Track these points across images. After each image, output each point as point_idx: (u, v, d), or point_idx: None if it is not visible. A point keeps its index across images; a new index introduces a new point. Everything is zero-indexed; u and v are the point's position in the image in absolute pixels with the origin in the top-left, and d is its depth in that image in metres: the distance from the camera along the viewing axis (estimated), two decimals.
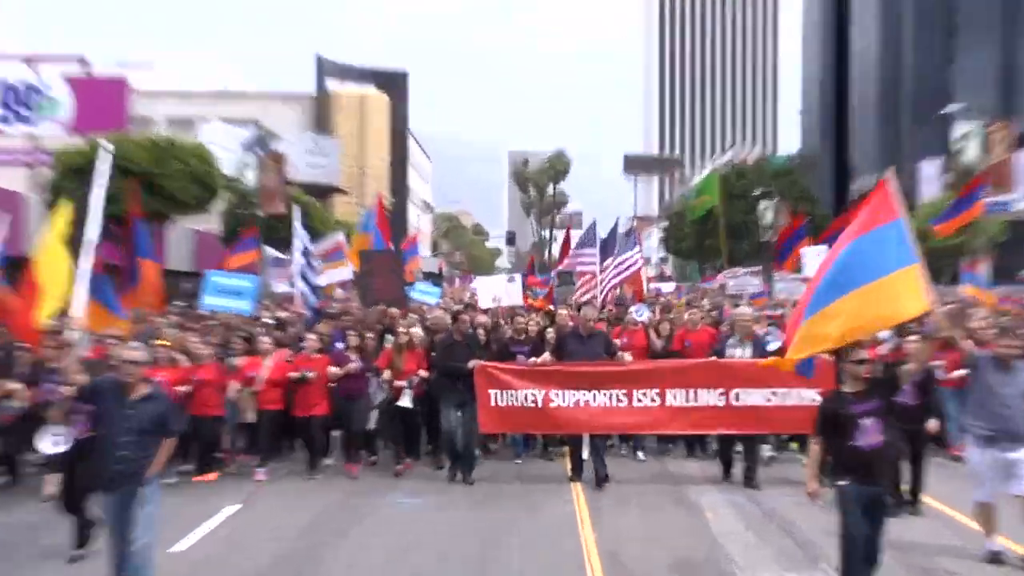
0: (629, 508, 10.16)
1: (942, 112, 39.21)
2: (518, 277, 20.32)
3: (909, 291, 6.37)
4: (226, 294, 14.88)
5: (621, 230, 20.95)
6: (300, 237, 16.04)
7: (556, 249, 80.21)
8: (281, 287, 21.29)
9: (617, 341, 12.12)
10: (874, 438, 6.39)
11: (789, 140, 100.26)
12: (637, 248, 20.11)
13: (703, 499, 10.50)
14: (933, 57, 54.51)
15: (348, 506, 10.38)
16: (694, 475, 11.75)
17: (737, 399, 10.66)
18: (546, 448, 12.87)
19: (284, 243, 23.50)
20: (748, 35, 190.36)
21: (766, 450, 12.12)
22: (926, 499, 9.64)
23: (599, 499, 10.49)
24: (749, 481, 10.89)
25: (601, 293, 17.94)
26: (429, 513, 10.08)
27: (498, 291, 19.12)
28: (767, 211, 53.82)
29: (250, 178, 34.98)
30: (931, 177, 46.19)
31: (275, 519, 9.87)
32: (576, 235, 20.93)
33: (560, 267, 19.20)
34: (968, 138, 35.08)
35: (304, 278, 15.42)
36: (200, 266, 32.47)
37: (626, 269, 19.03)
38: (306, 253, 15.86)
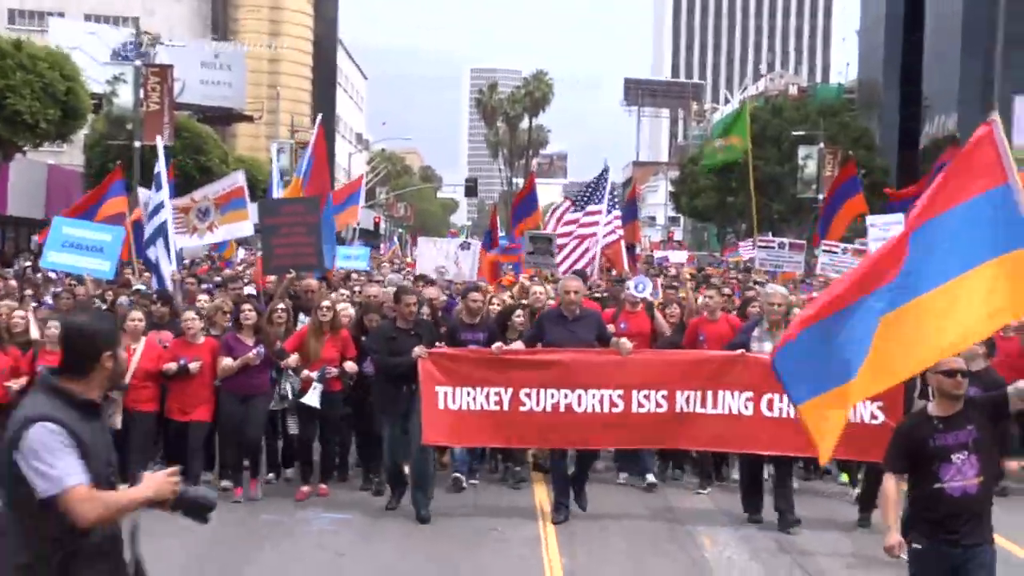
0: (608, 538, 10.23)
1: None
2: (475, 244, 20.16)
3: (1018, 283, 6.15)
4: (79, 250, 14.36)
5: (617, 179, 21.17)
6: (165, 181, 15.35)
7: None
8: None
9: (611, 327, 11.83)
10: (968, 480, 6.19)
11: (842, 67, 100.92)
12: (615, 205, 20.11)
13: (700, 527, 10.68)
14: None
15: (244, 528, 10.41)
16: (707, 511, 11.45)
17: (771, 408, 10.37)
18: (507, 467, 12.59)
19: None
20: None
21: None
22: (1005, 543, 9.76)
23: (572, 528, 10.45)
24: (783, 523, 10.61)
25: (592, 262, 18.21)
26: (352, 540, 10.14)
27: (443, 259, 18.78)
28: (809, 160, 54.33)
29: (124, 97, 34.64)
30: None
31: (157, 542, 9.98)
32: (550, 187, 21.00)
33: (537, 229, 19.19)
34: None
35: (164, 238, 14.83)
36: (53, 212, 32.23)
37: (610, 232, 19.24)
38: (160, 207, 15.16)
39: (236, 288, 13.99)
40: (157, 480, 4.31)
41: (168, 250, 14.56)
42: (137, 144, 28.59)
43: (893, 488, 6.39)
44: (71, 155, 44.70)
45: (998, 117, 6.39)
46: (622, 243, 19.85)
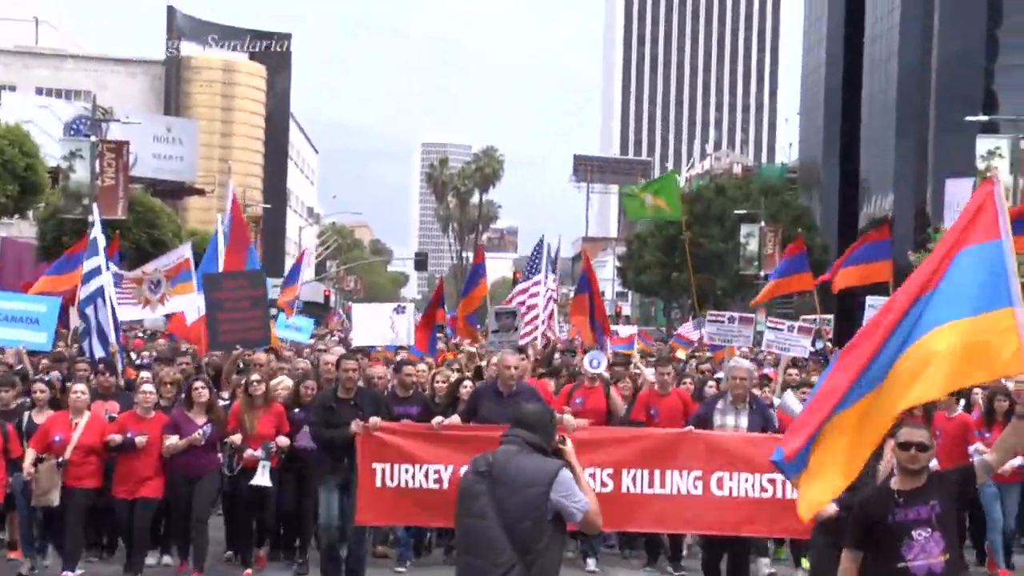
0: None
1: (971, 119, 41.27)
2: (410, 308, 19.91)
3: (992, 344, 5.99)
4: (12, 322, 14.05)
5: (567, 254, 21.56)
6: (101, 249, 14.75)
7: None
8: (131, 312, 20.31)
9: (567, 408, 11.59)
10: (933, 559, 5.89)
11: (784, 148, 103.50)
12: (552, 269, 20.42)
13: None
14: (970, 47, 56.81)
15: None
16: None
17: (720, 487, 10.15)
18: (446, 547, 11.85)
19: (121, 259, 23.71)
20: (737, 14, 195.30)
21: (764, 566, 11.38)
22: None
23: None
24: None
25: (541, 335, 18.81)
26: None
27: (379, 326, 18.43)
28: (751, 237, 55.61)
29: (79, 172, 35.17)
30: (957, 202, 48.15)
31: None
32: (500, 262, 21.69)
33: (484, 303, 19.72)
34: (995, 157, 37.14)
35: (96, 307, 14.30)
36: (5, 284, 32.67)
37: (549, 300, 19.93)
38: (97, 272, 14.70)
39: (184, 362, 13.88)
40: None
41: (109, 318, 14.10)
42: (91, 219, 29.07)
43: (851, 568, 6.10)
44: (20, 227, 45.05)
45: (997, 177, 6.45)
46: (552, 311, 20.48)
